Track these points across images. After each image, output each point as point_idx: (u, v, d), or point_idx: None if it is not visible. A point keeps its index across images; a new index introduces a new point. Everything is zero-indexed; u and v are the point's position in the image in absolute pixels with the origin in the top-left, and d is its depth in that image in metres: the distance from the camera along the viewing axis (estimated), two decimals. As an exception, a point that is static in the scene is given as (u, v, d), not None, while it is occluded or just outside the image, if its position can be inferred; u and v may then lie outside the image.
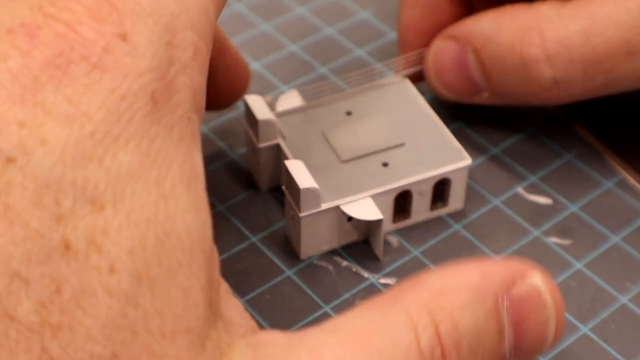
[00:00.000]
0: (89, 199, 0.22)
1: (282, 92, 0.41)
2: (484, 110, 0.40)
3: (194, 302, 0.23)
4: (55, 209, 0.22)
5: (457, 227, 0.36)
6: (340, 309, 0.33)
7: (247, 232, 0.36)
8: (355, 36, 0.44)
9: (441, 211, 0.36)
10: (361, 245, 0.35)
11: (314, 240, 0.34)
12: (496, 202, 0.37)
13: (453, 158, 0.35)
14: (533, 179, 0.38)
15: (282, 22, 0.45)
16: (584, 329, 0.33)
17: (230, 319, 0.24)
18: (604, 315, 0.33)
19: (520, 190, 0.37)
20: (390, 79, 0.38)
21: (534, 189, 0.37)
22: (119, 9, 0.23)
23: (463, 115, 0.40)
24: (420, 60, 0.38)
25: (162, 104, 0.23)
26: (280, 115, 0.36)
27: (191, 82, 0.24)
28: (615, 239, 0.36)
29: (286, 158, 0.35)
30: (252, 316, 0.33)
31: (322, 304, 0.33)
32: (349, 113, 0.37)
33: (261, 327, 0.33)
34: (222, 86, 0.36)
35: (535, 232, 0.36)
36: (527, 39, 0.34)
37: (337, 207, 0.33)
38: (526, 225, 0.36)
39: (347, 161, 0.35)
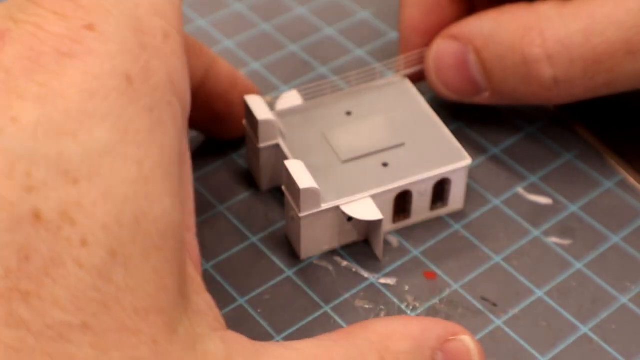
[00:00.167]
0: (61, 172, 0.22)
1: (282, 92, 0.41)
2: (484, 110, 0.40)
3: (166, 285, 0.23)
4: (26, 180, 0.22)
5: (457, 227, 0.36)
6: (340, 309, 0.33)
7: (247, 232, 0.36)
8: (355, 36, 0.44)
9: (441, 211, 0.36)
10: (361, 245, 0.35)
11: (314, 241, 0.34)
12: (496, 202, 0.37)
13: (453, 158, 0.35)
14: (533, 179, 0.38)
15: (282, 22, 0.45)
16: (584, 329, 0.33)
17: (202, 311, 0.25)
18: (604, 315, 0.33)
19: (520, 190, 0.37)
20: (390, 78, 0.38)
21: (534, 189, 0.37)
22: (83, 5, 0.24)
23: (463, 115, 0.40)
24: (421, 59, 0.38)
25: (139, 85, 0.24)
26: (280, 115, 0.36)
27: (166, 66, 0.25)
28: (615, 239, 0.36)
29: (286, 158, 0.35)
30: (252, 316, 0.33)
31: (322, 304, 0.33)
32: (349, 113, 0.37)
33: (261, 327, 0.33)
34: (239, 115, 0.37)
35: (535, 232, 0.36)
36: (528, 38, 0.34)
37: (337, 207, 0.33)
38: (526, 225, 0.36)
39: (347, 161, 0.35)
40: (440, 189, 0.35)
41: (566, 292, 0.34)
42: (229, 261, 0.35)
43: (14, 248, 0.22)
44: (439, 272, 0.34)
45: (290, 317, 0.33)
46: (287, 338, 0.32)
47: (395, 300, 0.33)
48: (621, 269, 0.35)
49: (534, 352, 0.32)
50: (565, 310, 0.33)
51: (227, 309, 0.33)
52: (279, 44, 0.43)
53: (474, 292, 0.34)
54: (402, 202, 0.35)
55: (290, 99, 0.37)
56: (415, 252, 0.35)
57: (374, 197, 0.34)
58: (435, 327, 0.28)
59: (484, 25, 0.36)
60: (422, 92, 0.38)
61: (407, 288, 0.34)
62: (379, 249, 0.34)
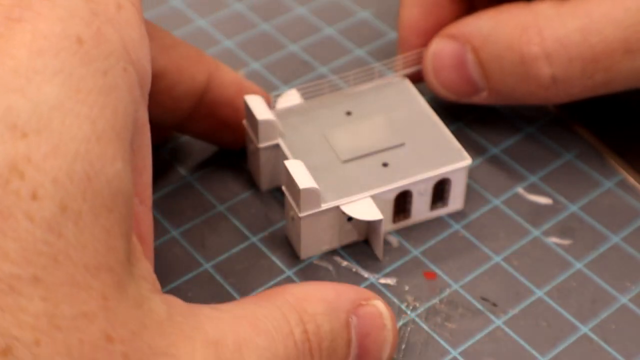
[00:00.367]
0: (9, 126, 0.22)
1: (282, 93, 0.41)
2: (484, 110, 0.40)
3: (115, 246, 0.24)
4: None
5: (457, 227, 0.36)
6: (340, 309, 0.33)
7: (247, 232, 0.36)
8: (355, 36, 0.44)
9: (441, 211, 0.36)
10: (361, 245, 0.35)
11: (314, 241, 0.34)
12: (496, 202, 0.37)
13: (453, 158, 0.35)
14: (533, 179, 0.38)
15: (282, 22, 0.45)
16: (584, 329, 0.33)
17: (144, 276, 0.25)
18: (604, 315, 0.33)
19: (520, 190, 0.37)
20: (390, 78, 0.38)
21: (534, 189, 0.37)
22: None
23: (463, 115, 0.40)
24: (420, 60, 0.38)
25: (90, 48, 0.24)
26: (279, 115, 0.36)
27: (120, 35, 0.25)
28: (615, 239, 0.36)
29: (286, 158, 0.35)
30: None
31: (322, 304, 0.33)
32: (348, 113, 0.37)
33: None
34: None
35: (535, 232, 0.36)
36: (526, 37, 0.34)
37: (337, 207, 0.33)
38: (526, 225, 0.36)
39: (347, 161, 0.35)
40: (440, 189, 0.35)
41: (566, 292, 0.34)
42: (229, 261, 0.35)
43: None
44: (439, 272, 0.34)
45: (290, 317, 0.33)
46: (287, 338, 0.32)
47: (395, 300, 0.33)
48: (621, 269, 0.35)
49: (534, 352, 0.32)
50: (565, 310, 0.33)
51: (227, 309, 0.33)
52: (279, 44, 0.43)
53: (474, 292, 0.34)
54: (402, 202, 0.35)
55: (290, 98, 0.37)
56: (415, 252, 0.35)
57: (374, 197, 0.34)
58: (349, 292, 0.29)
59: (482, 25, 0.36)
60: (422, 92, 0.38)
61: (407, 288, 0.34)
62: (379, 249, 0.34)
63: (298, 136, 0.36)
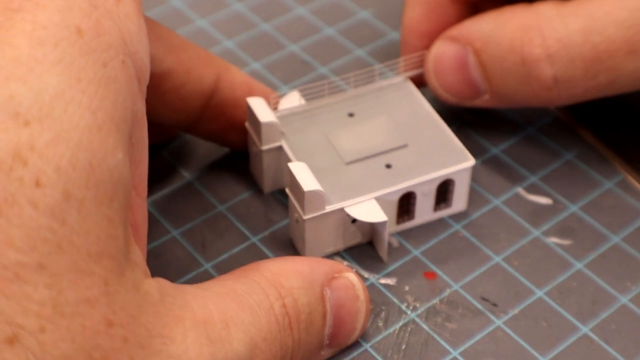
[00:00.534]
0: (12, 114, 0.23)
1: (282, 92, 0.41)
2: (484, 110, 0.40)
3: (115, 233, 0.24)
4: None
5: (457, 227, 0.36)
6: (340, 309, 0.33)
7: (247, 233, 0.36)
8: (355, 36, 0.44)
9: (444, 212, 0.36)
10: (361, 245, 0.35)
11: (318, 243, 0.34)
12: (496, 202, 0.37)
13: (456, 159, 0.35)
14: (533, 179, 0.38)
15: (282, 22, 0.45)
16: (584, 329, 0.33)
17: (137, 261, 0.25)
18: (604, 315, 0.33)
19: (520, 190, 0.37)
20: (392, 79, 0.38)
21: (534, 189, 0.37)
22: None
23: (464, 115, 0.40)
24: (422, 62, 0.38)
25: (90, 39, 0.24)
26: (281, 117, 0.36)
27: (118, 27, 0.25)
28: (615, 239, 0.36)
29: (289, 160, 0.35)
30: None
31: (322, 304, 0.33)
32: (351, 115, 0.37)
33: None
34: None
35: (535, 232, 0.36)
36: (527, 38, 0.34)
37: (342, 210, 0.33)
38: (526, 225, 0.36)
39: (351, 163, 0.35)
40: (444, 190, 0.35)
41: (566, 292, 0.34)
42: (230, 261, 0.35)
43: None
44: (439, 272, 0.34)
45: (291, 317, 0.33)
46: (288, 338, 0.32)
47: (395, 300, 0.33)
48: (621, 269, 0.35)
49: (534, 352, 0.32)
50: (565, 310, 0.33)
51: (228, 309, 0.33)
52: (279, 44, 0.44)
53: (474, 292, 0.34)
54: (405, 204, 0.35)
55: (292, 100, 0.37)
56: (416, 252, 0.35)
57: (378, 198, 0.34)
58: (322, 266, 0.30)
59: (483, 26, 0.36)
60: (423, 93, 0.38)
61: (407, 288, 0.34)
62: (382, 251, 0.34)
63: (301, 138, 0.36)
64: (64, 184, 0.23)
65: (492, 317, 0.33)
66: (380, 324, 0.33)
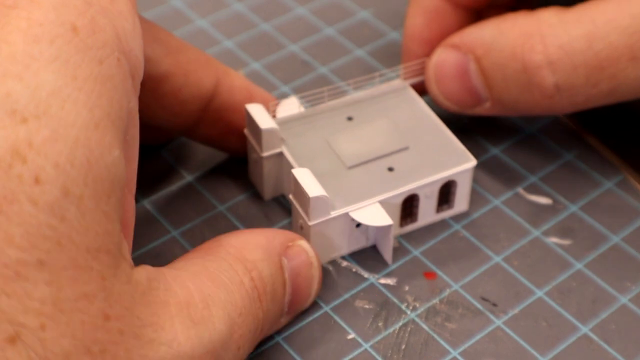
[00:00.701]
0: (9, 112, 0.23)
1: (282, 93, 0.41)
2: (484, 110, 0.40)
3: (112, 228, 0.24)
4: None
5: (457, 227, 0.36)
6: (340, 309, 0.33)
7: (247, 233, 0.36)
8: (355, 36, 0.44)
9: (446, 213, 0.36)
10: (361, 245, 0.35)
11: (324, 248, 0.34)
12: (496, 202, 0.37)
13: (458, 160, 0.35)
14: (533, 179, 0.38)
15: (282, 22, 0.45)
16: (584, 329, 0.33)
17: (126, 254, 0.26)
18: (604, 315, 0.33)
19: (520, 190, 0.37)
20: (390, 83, 0.38)
21: (534, 189, 0.37)
22: None
23: (463, 115, 0.40)
24: (423, 70, 0.38)
25: (85, 37, 0.24)
26: (280, 123, 0.36)
27: (113, 25, 0.25)
28: (615, 239, 0.36)
29: (289, 166, 0.34)
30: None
31: (322, 304, 0.33)
32: (350, 118, 0.36)
33: (261, 327, 0.33)
34: None
35: (535, 232, 0.36)
36: (529, 45, 0.34)
37: (346, 214, 0.33)
38: (526, 225, 0.36)
39: (353, 167, 0.35)
40: (446, 192, 0.35)
41: (566, 292, 0.34)
42: (229, 261, 0.35)
43: None
44: (439, 272, 0.34)
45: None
46: (288, 338, 0.32)
47: (395, 300, 0.33)
48: (621, 269, 0.35)
49: (534, 352, 0.32)
50: (565, 310, 0.33)
51: (228, 309, 0.33)
52: (279, 44, 0.44)
53: (474, 292, 0.34)
54: (408, 206, 0.35)
55: (290, 106, 0.36)
56: (416, 252, 0.35)
57: (382, 202, 0.34)
58: (278, 236, 0.31)
59: (485, 34, 0.35)
60: (422, 94, 0.38)
61: (407, 288, 0.34)
62: (388, 254, 0.34)
63: (301, 144, 0.35)
64: (62, 180, 0.23)
65: (492, 317, 0.33)
66: (380, 324, 0.33)
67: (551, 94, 0.34)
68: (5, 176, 0.22)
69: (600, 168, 0.38)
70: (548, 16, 0.34)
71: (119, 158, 0.25)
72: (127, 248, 0.26)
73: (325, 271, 0.34)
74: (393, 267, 0.35)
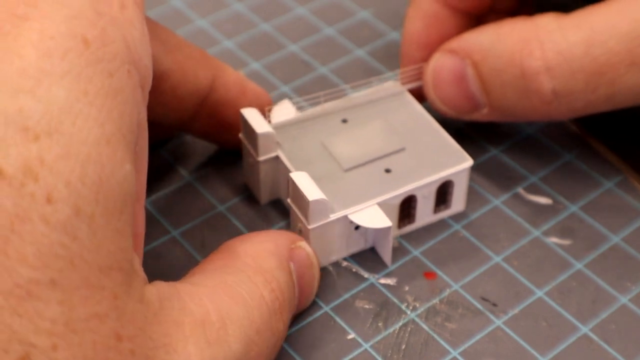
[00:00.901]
0: (21, 128, 0.22)
1: (282, 93, 0.41)
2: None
3: (124, 245, 0.24)
4: None
5: (457, 227, 0.36)
6: (340, 309, 0.33)
7: (247, 233, 0.36)
8: (355, 36, 0.44)
9: (443, 214, 0.36)
10: (361, 245, 0.35)
11: (323, 251, 0.34)
12: (496, 202, 0.37)
13: (455, 160, 0.35)
14: (533, 179, 0.38)
15: (282, 22, 0.45)
16: (584, 329, 0.33)
17: (138, 270, 0.25)
18: (604, 315, 0.33)
19: (520, 190, 0.37)
20: (384, 85, 0.38)
21: (534, 189, 0.37)
22: None
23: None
24: (421, 75, 0.37)
25: (96, 49, 0.24)
26: (275, 127, 0.36)
27: (123, 35, 0.25)
28: (615, 239, 0.36)
29: (286, 170, 0.34)
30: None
31: (322, 304, 0.33)
32: (344, 121, 0.36)
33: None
34: None
35: (535, 232, 0.36)
36: (527, 50, 0.34)
37: (345, 217, 0.33)
38: (526, 225, 0.36)
39: (350, 169, 0.35)
40: (443, 192, 0.35)
41: (566, 292, 0.34)
42: (229, 261, 0.35)
43: None
44: (439, 272, 0.34)
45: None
46: (288, 339, 0.32)
47: (395, 300, 0.33)
48: (621, 269, 0.35)
49: (534, 352, 0.32)
50: (565, 310, 0.33)
51: (227, 309, 0.33)
52: (279, 44, 0.44)
53: (474, 292, 0.34)
54: (406, 208, 0.35)
55: (284, 110, 0.36)
56: (416, 252, 0.35)
57: (380, 204, 0.33)
58: (283, 239, 0.31)
59: (483, 39, 0.35)
60: (420, 100, 0.38)
61: (407, 288, 0.34)
62: (387, 256, 0.34)
63: (296, 147, 0.35)
64: (74, 199, 0.23)
65: (492, 317, 0.33)
66: (380, 324, 0.33)
67: (549, 100, 0.34)
68: (18, 195, 0.22)
69: (600, 168, 0.38)
70: (546, 22, 0.34)
71: (130, 172, 0.24)
72: (139, 262, 0.26)
73: (325, 271, 0.34)
74: (393, 267, 0.35)
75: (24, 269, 0.22)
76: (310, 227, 0.33)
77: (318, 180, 0.34)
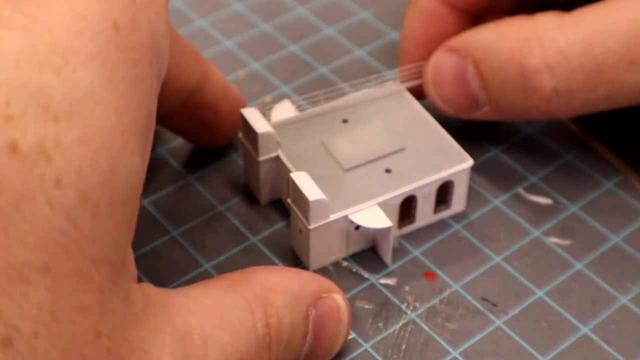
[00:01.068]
0: (42, 106, 0.22)
1: (282, 93, 0.41)
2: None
3: (120, 239, 0.24)
4: (5, 109, 0.22)
5: (457, 227, 0.36)
6: (340, 309, 0.33)
7: (247, 233, 0.36)
8: (355, 36, 0.44)
9: (444, 214, 0.36)
10: (361, 245, 0.35)
11: (323, 252, 0.34)
12: (496, 202, 0.37)
13: (455, 160, 0.35)
14: (533, 179, 0.38)
15: (282, 22, 0.45)
16: (584, 329, 0.33)
17: (128, 265, 0.25)
18: (604, 315, 0.33)
19: (520, 190, 0.37)
20: (384, 85, 0.38)
21: (534, 189, 0.37)
22: None
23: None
24: (420, 73, 0.38)
25: (125, 36, 0.23)
26: (275, 127, 0.36)
27: (150, 24, 0.24)
28: (615, 239, 0.36)
29: (286, 170, 0.34)
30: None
31: (322, 304, 0.33)
32: (345, 121, 0.36)
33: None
34: (226, 125, 0.37)
35: (535, 232, 0.36)
36: (527, 49, 0.34)
37: (345, 217, 0.33)
38: (526, 225, 0.36)
39: (350, 170, 0.35)
40: (443, 192, 0.35)
41: (566, 292, 0.34)
42: (229, 261, 0.35)
43: None
44: (439, 272, 0.34)
45: (291, 317, 0.33)
46: (288, 338, 0.32)
47: (395, 300, 0.33)
48: (621, 269, 0.35)
49: (534, 352, 0.32)
50: (565, 310, 0.33)
51: (228, 309, 0.33)
52: (279, 44, 0.44)
53: (474, 292, 0.34)
54: (406, 208, 0.35)
55: (284, 109, 0.36)
56: (416, 252, 0.35)
57: (380, 204, 0.33)
58: (311, 283, 0.30)
59: (483, 37, 0.35)
60: (419, 98, 0.38)
61: (407, 288, 0.34)
62: (387, 256, 0.34)
63: (297, 147, 0.35)
64: (82, 186, 0.22)
65: (492, 317, 0.33)
66: (380, 324, 0.33)
67: (549, 98, 0.34)
68: (29, 174, 0.22)
69: (600, 168, 0.38)
70: (546, 20, 0.34)
71: (139, 166, 0.24)
72: (131, 258, 0.25)
73: (325, 271, 0.34)
74: (393, 267, 0.35)
75: (21, 250, 0.22)
76: (310, 227, 0.33)
77: (318, 180, 0.34)
